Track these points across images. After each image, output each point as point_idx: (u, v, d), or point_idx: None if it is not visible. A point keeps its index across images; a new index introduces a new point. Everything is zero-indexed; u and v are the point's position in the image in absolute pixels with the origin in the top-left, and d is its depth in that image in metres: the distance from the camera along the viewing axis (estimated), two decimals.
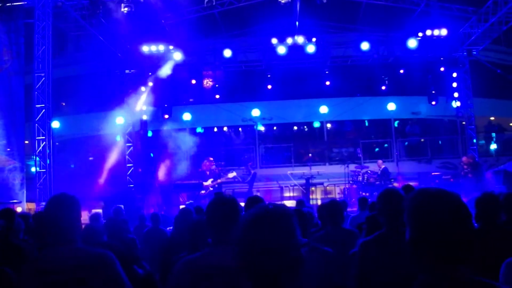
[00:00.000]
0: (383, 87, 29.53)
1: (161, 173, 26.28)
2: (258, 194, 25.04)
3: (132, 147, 28.76)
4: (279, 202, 24.74)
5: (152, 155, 29.39)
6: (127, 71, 28.34)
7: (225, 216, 4.22)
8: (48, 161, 18.97)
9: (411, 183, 12.54)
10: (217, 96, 29.88)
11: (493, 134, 33.10)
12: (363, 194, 23.80)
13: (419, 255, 2.77)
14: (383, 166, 25.43)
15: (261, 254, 2.59)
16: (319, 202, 22.38)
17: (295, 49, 27.00)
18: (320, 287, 5.45)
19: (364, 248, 5.45)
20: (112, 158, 27.64)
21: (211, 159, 24.39)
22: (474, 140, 29.00)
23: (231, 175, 24.01)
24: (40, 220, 7.46)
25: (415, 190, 2.95)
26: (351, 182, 26.03)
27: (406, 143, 33.18)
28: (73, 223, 4.43)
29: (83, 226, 7.71)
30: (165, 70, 26.95)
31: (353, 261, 5.70)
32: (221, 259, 4.03)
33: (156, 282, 7.35)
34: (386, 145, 33.18)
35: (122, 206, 14.52)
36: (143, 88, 28.38)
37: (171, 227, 11.56)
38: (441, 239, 2.69)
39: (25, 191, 19.57)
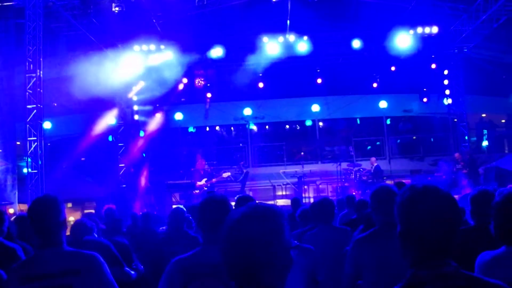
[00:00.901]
0: (375, 85, 29.60)
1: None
2: (251, 193, 25.10)
3: (124, 147, 28.72)
4: (272, 201, 24.83)
5: (144, 155, 29.32)
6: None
7: (217, 215, 4.21)
8: (40, 162, 18.93)
9: (403, 181, 12.57)
10: (209, 95, 29.85)
11: (485, 131, 33.18)
12: (355, 192, 23.87)
13: (408, 249, 2.81)
14: (375, 164, 25.47)
15: (244, 253, 2.55)
16: (312, 201, 22.38)
17: (287, 47, 26.99)
18: (303, 285, 5.47)
19: (357, 245, 5.45)
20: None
21: (203, 161, 24.32)
22: (466, 137, 29.15)
23: (226, 175, 24.01)
24: (24, 222, 7.41)
25: (405, 186, 2.96)
26: (343, 180, 26.06)
27: (398, 140, 33.26)
28: (58, 225, 4.41)
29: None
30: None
31: (346, 259, 5.69)
32: (213, 258, 4.01)
33: (149, 283, 7.35)
34: (378, 143, 33.23)
35: (114, 206, 14.51)
36: (135, 87, 28.37)
37: (163, 227, 11.55)
38: (429, 233, 2.72)
39: (16, 192, 19.53)
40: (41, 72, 19.24)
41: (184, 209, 9.13)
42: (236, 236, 2.58)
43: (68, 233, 5.86)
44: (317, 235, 7.83)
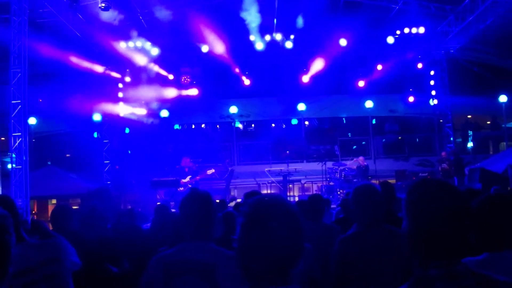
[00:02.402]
0: (361, 84, 29.56)
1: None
2: (235, 191, 25.10)
3: (109, 144, 28.66)
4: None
5: (129, 151, 29.28)
6: (104, 67, 28.23)
7: (199, 211, 4.20)
8: (24, 158, 18.86)
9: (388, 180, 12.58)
10: (195, 92, 29.71)
11: (470, 132, 33.28)
12: (340, 191, 23.90)
13: (417, 247, 2.72)
14: (364, 163, 25.46)
15: (269, 246, 2.61)
16: (297, 199, 22.38)
17: (274, 46, 27.05)
18: (300, 282, 5.45)
19: (342, 245, 5.43)
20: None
21: (188, 159, 24.27)
22: (451, 138, 29.24)
23: (210, 172, 23.97)
24: None
25: (416, 180, 2.90)
26: (328, 179, 26.07)
27: (384, 140, 33.28)
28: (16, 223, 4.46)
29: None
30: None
31: (332, 259, 5.66)
32: (195, 255, 4.01)
33: (133, 279, 7.31)
34: (363, 142, 33.25)
35: (99, 203, 14.45)
36: (120, 85, 28.36)
37: (148, 224, 11.54)
38: (442, 231, 2.64)
39: (0, 188, 19.46)
40: (26, 68, 19.15)
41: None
42: (262, 235, 2.62)
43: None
44: (307, 232, 7.76)
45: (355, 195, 5.44)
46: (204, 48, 27.23)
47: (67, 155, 32.44)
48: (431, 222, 2.66)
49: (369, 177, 25.22)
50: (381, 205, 5.27)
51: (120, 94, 28.73)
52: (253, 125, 33.36)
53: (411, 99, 29.84)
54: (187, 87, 29.22)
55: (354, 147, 33.82)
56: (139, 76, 27.92)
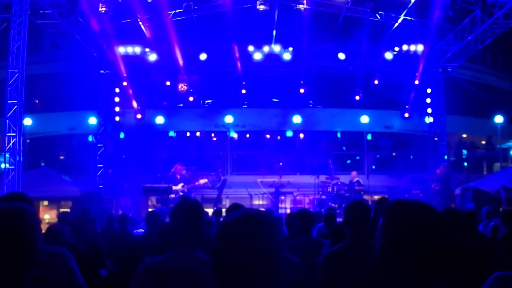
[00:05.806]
0: (357, 98, 29.54)
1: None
2: (227, 201, 25.08)
3: (103, 148, 28.63)
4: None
5: (123, 156, 29.24)
6: (102, 71, 28.27)
7: (189, 219, 4.21)
8: (18, 158, 18.82)
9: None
10: (191, 99, 29.63)
11: (464, 151, 33.31)
12: (332, 205, 23.84)
13: (390, 264, 2.77)
14: (356, 179, 25.41)
15: (237, 255, 2.61)
16: (288, 211, 22.35)
17: (271, 57, 27.06)
18: None
19: (328, 259, 5.43)
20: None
21: (181, 167, 24.21)
22: (446, 157, 29.18)
23: (202, 181, 23.92)
24: None
25: (392, 200, 2.94)
26: (320, 192, 26.02)
27: (378, 156, 33.23)
28: None
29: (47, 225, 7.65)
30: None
31: (318, 271, 5.67)
32: (184, 263, 4.01)
33: (120, 281, 7.31)
34: (357, 157, 33.21)
35: (90, 206, 14.44)
36: (117, 89, 28.35)
37: (140, 230, 11.56)
38: (415, 248, 2.69)
39: None
40: (24, 68, 19.12)
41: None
42: (226, 239, 2.65)
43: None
44: (295, 246, 7.75)
45: (345, 210, 5.46)
46: (202, 56, 27.27)
47: (61, 157, 32.41)
48: (404, 239, 2.73)
49: (362, 193, 25.19)
50: (368, 220, 5.28)
51: (117, 99, 28.71)
52: (248, 135, 33.33)
53: (406, 114, 29.80)
54: (183, 94, 29.17)
55: (348, 161, 33.80)
56: (136, 81, 27.91)
